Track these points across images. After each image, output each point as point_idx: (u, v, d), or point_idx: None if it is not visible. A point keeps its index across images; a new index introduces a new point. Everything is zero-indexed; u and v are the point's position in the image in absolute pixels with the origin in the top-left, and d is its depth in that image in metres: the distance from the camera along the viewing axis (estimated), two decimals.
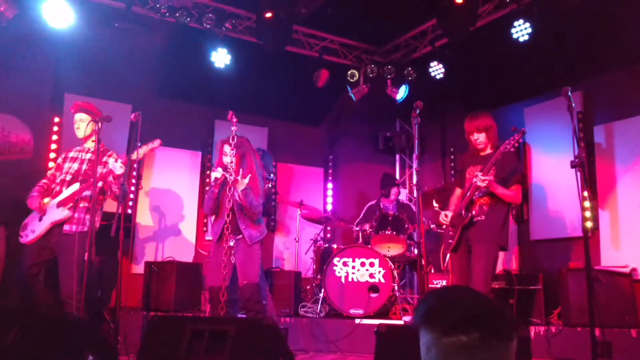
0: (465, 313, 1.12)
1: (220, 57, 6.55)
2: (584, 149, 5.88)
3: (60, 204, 4.42)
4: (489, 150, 4.34)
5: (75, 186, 4.47)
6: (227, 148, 4.53)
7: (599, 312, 3.68)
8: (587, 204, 4.32)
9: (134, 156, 4.41)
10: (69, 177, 4.55)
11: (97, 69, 6.45)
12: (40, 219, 4.44)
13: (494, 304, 1.15)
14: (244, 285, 4.37)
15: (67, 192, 4.46)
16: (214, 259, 4.51)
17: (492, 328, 1.11)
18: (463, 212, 4.22)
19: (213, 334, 3.14)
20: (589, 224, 5.29)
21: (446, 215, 4.37)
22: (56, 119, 6.46)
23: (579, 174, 3.55)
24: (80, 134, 4.62)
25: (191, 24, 6.28)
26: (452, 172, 7.74)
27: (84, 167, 4.58)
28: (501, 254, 4.66)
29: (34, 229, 4.44)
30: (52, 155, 6.36)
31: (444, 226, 4.44)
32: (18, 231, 4.56)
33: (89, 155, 4.61)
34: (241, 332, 3.12)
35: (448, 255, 4.35)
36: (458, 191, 4.53)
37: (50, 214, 4.43)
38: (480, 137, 4.28)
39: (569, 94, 3.67)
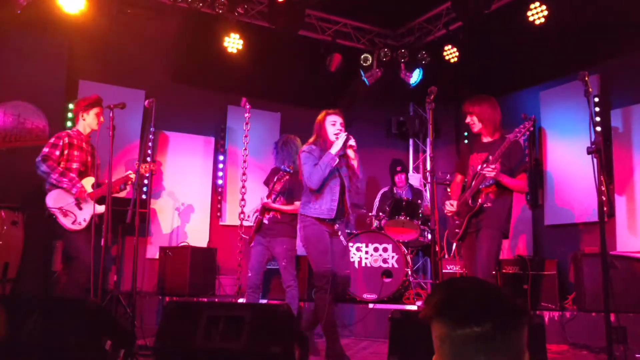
0: (477, 303, 1.11)
1: (233, 42, 6.53)
2: (600, 134, 5.81)
3: (93, 197, 4.63)
4: (491, 137, 4.27)
5: (91, 180, 4.71)
6: (335, 117, 4.24)
7: (614, 298, 3.65)
8: (603, 189, 4.26)
9: (142, 170, 4.76)
10: (82, 168, 4.74)
11: (111, 56, 6.48)
12: (80, 208, 4.59)
13: (504, 293, 1.15)
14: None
15: (88, 185, 4.69)
16: (328, 242, 4.15)
17: (505, 317, 1.10)
18: (470, 201, 4.16)
19: (229, 320, 3.16)
20: (604, 209, 5.25)
21: (452, 204, 4.33)
22: (70, 106, 6.50)
23: (595, 160, 3.51)
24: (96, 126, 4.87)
25: (203, 9, 6.26)
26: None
27: (89, 158, 4.83)
28: (504, 242, 4.64)
29: (85, 217, 4.62)
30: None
31: (450, 215, 4.40)
32: (42, 214, 4.63)
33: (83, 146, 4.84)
34: (256, 317, 3.15)
35: (454, 244, 4.31)
36: (459, 177, 4.48)
37: (89, 206, 4.61)
38: (472, 120, 4.26)
39: (586, 78, 3.61)
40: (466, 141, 7.78)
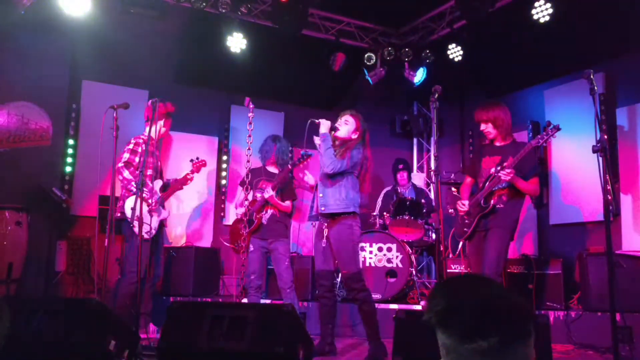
0: (482, 315, 1.08)
1: (236, 42, 6.52)
2: (605, 133, 5.78)
3: (161, 203, 4.96)
4: (503, 141, 4.33)
5: (159, 182, 4.94)
6: (344, 115, 4.26)
7: (619, 297, 3.63)
8: (608, 188, 4.23)
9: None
10: (154, 173, 4.89)
11: (114, 56, 6.47)
12: (151, 216, 4.63)
13: (509, 296, 1.12)
14: (342, 274, 4.17)
15: (157, 189, 4.89)
16: (319, 242, 4.27)
17: (511, 329, 1.08)
18: (482, 202, 4.21)
19: (233, 320, 3.16)
20: (610, 208, 5.22)
21: (463, 204, 4.36)
22: (74, 106, 6.50)
23: (600, 159, 3.50)
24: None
25: (207, 8, 6.25)
26: (471, 155, 7.66)
27: (158, 163, 5.01)
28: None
29: (155, 225, 4.75)
30: (71, 142, 6.42)
31: (460, 214, 4.42)
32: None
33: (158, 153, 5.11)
34: (260, 317, 3.14)
35: (461, 243, 4.33)
36: (469, 180, 4.54)
37: (159, 212, 4.87)
38: (487, 128, 4.32)
39: (591, 76, 3.59)
40: (471, 140, 7.76)
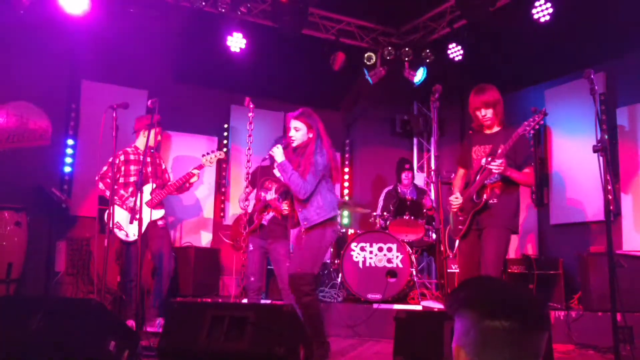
0: (508, 300, 1.16)
1: (236, 42, 6.51)
2: (606, 132, 5.77)
3: (150, 205, 5.13)
4: (496, 128, 4.09)
5: (151, 186, 5.20)
6: (292, 122, 4.01)
7: (620, 297, 3.61)
8: (609, 187, 4.20)
9: (204, 162, 5.21)
10: (134, 180, 5.17)
11: (113, 55, 6.46)
12: (134, 219, 4.86)
13: (534, 296, 1.19)
14: (290, 274, 3.99)
15: (147, 193, 5.09)
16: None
17: (532, 319, 1.14)
18: (474, 197, 3.98)
19: (233, 320, 3.15)
20: (611, 208, 5.21)
21: (457, 197, 4.11)
22: (73, 105, 6.49)
23: (601, 158, 3.48)
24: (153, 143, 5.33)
25: (206, 8, 6.24)
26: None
27: (149, 169, 5.22)
28: (513, 238, 4.43)
29: (141, 228, 4.88)
30: (70, 141, 6.40)
31: (456, 209, 4.17)
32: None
33: (148, 159, 5.23)
34: (260, 318, 3.13)
35: (457, 241, 4.11)
36: (461, 171, 4.30)
37: (144, 213, 4.97)
38: (487, 113, 4.02)
39: (592, 76, 3.57)
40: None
